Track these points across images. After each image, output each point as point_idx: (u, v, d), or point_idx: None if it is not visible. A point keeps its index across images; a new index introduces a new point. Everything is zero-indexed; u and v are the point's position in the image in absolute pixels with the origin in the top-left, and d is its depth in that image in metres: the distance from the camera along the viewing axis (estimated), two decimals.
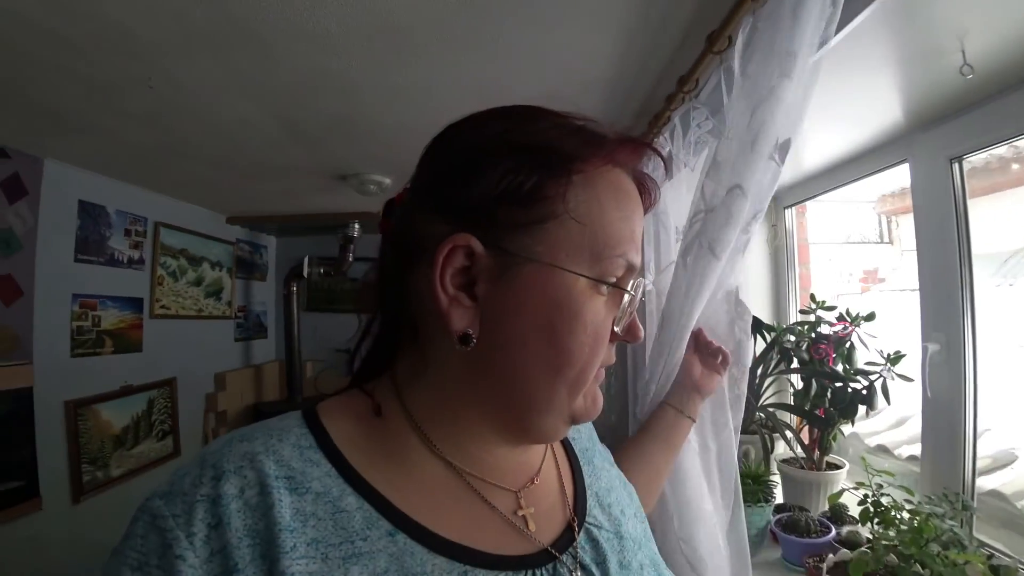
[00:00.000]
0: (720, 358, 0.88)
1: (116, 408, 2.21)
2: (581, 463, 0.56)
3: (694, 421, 0.87)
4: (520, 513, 0.45)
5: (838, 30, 0.82)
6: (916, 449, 1.51)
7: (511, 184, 0.40)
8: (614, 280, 0.42)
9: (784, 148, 0.78)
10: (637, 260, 0.43)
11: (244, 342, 3.28)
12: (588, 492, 0.52)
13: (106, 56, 1.23)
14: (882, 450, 1.66)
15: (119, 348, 2.26)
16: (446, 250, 0.40)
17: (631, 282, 0.43)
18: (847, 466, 1.48)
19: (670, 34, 1.20)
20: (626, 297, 0.43)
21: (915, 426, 1.65)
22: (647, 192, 0.48)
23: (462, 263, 0.40)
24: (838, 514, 1.34)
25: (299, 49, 1.23)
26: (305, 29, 1.14)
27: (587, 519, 0.49)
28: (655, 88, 1.43)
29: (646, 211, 0.47)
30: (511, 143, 0.41)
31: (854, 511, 1.35)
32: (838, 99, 1.16)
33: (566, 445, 0.57)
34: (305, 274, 3.12)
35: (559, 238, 0.40)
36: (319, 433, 0.42)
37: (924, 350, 1.23)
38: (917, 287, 1.88)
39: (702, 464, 0.92)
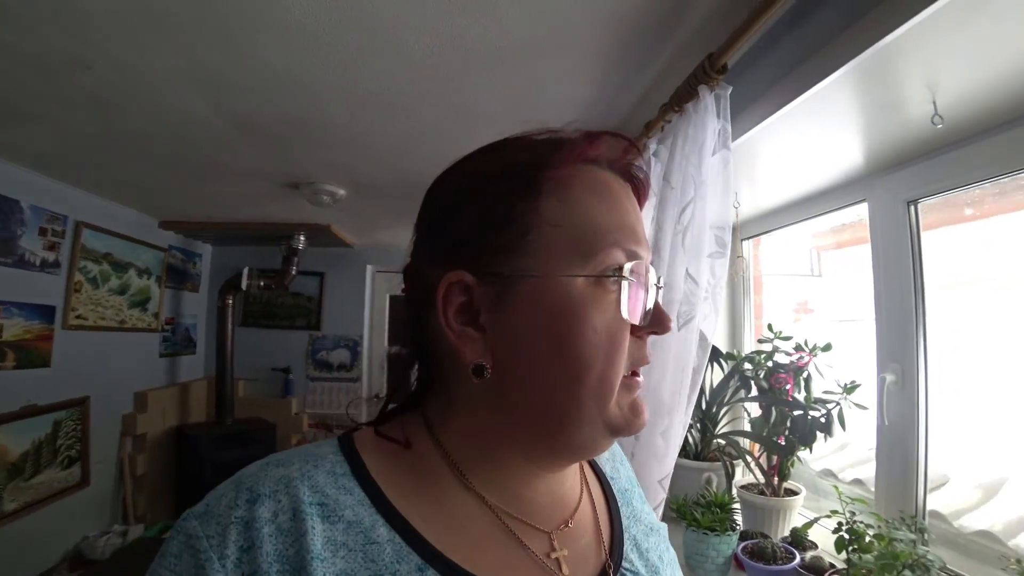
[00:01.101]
0: None
1: (15, 432, 1.93)
2: (620, 504, 0.53)
3: None
4: (553, 556, 0.43)
5: (810, 86, 0.95)
6: (859, 472, 1.59)
7: (484, 212, 0.42)
8: (612, 271, 0.41)
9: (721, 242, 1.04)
10: (636, 246, 0.42)
11: (170, 358, 3.02)
12: (626, 535, 0.50)
13: (42, 28, 1.10)
14: (828, 474, 1.73)
15: (23, 363, 1.99)
16: (443, 290, 0.41)
17: (633, 267, 0.42)
18: (803, 491, 1.52)
19: (652, 65, 1.23)
20: (625, 284, 0.41)
21: (856, 451, 1.74)
22: (635, 181, 0.47)
23: (460, 298, 0.41)
24: (798, 540, 1.37)
25: (265, 42, 1.15)
26: (275, 21, 1.07)
27: (623, 564, 0.47)
28: (633, 112, 1.46)
29: (641, 200, 0.47)
30: (478, 175, 0.44)
31: (812, 536, 1.39)
32: (804, 144, 1.23)
33: (604, 485, 0.55)
34: (243, 286, 2.92)
35: (544, 247, 0.40)
36: (354, 462, 0.41)
37: (881, 380, 1.29)
38: (847, 319, 2.01)
39: None
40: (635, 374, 0.43)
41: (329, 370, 3.51)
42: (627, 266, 0.41)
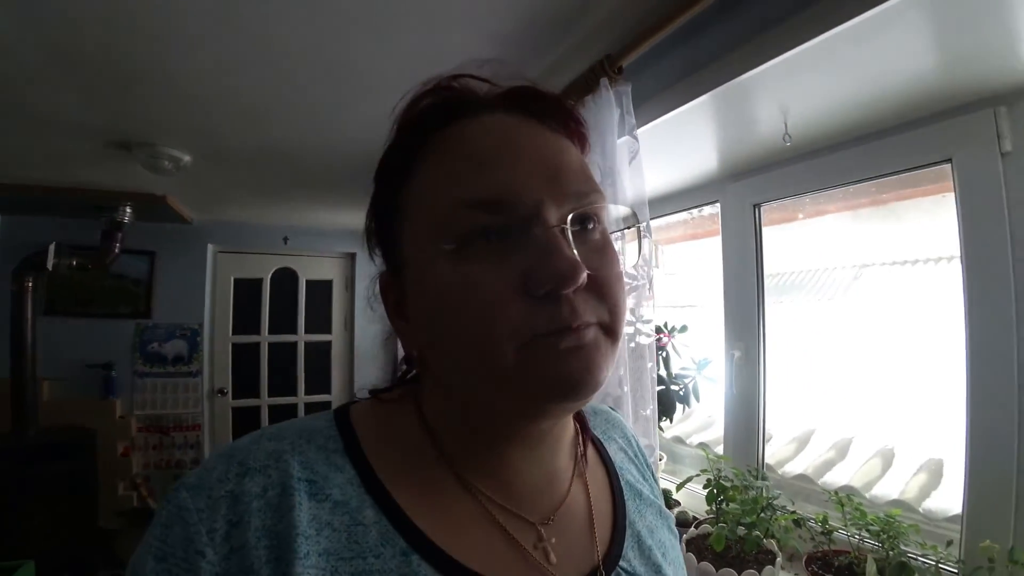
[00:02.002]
0: None
1: None
2: (626, 496, 0.50)
3: None
4: (540, 545, 0.42)
5: (675, 106, 1.12)
6: (703, 437, 1.86)
7: (377, 208, 0.44)
8: (462, 230, 0.36)
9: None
10: (504, 194, 0.36)
11: None
12: (628, 531, 0.47)
13: None
14: (679, 440, 1.99)
15: None
16: (379, 289, 0.44)
17: (489, 219, 0.36)
18: (665, 457, 1.73)
19: (547, 56, 1.28)
20: (478, 245, 0.36)
21: (697, 419, 2.03)
22: (539, 111, 0.41)
23: (392, 295, 0.43)
24: (664, 499, 1.55)
25: None
26: None
27: (620, 563, 0.44)
28: None
29: (570, 130, 0.42)
30: (376, 173, 0.45)
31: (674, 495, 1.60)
32: (669, 149, 1.38)
33: (611, 475, 0.51)
34: (49, 266, 2.41)
35: (416, 231, 0.40)
36: (348, 437, 0.41)
37: (730, 356, 1.52)
38: (685, 305, 2.33)
39: None
40: (572, 329, 0.35)
41: (163, 364, 3.06)
42: (492, 219, 0.36)
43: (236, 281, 3.40)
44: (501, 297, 0.35)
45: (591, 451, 0.51)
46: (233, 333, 3.36)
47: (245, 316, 3.41)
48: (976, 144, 0.95)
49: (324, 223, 3.46)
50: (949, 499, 1.13)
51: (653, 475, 0.57)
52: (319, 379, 3.61)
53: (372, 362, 3.73)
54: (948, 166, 1.01)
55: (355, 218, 3.34)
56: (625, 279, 0.45)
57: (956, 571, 0.89)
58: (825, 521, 1.04)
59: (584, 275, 0.35)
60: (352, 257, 3.71)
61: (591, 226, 0.39)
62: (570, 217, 0.37)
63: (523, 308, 0.35)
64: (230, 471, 0.36)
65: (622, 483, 0.51)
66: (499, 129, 0.40)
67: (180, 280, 3.16)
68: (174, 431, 3.02)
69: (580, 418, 0.52)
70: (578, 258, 0.35)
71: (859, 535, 0.98)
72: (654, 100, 1.19)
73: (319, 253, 3.64)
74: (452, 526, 0.39)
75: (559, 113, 0.42)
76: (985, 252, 0.96)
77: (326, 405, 3.57)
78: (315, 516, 0.36)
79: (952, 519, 1.06)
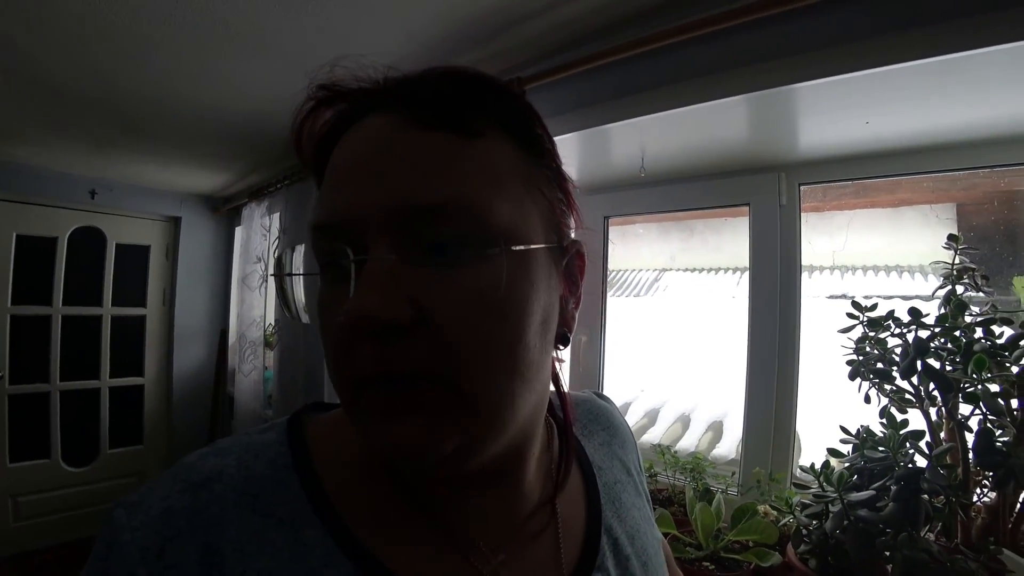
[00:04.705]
0: None
1: None
2: (603, 501, 0.47)
3: None
4: (497, 566, 0.39)
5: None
6: None
7: None
8: (318, 254, 0.36)
9: None
10: (331, 214, 0.34)
11: None
12: (604, 538, 0.44)
13: None
14: None
15: None
16: None
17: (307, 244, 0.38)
18: None
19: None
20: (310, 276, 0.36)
21: None
22: (424, 111, 0.33)
23: None
24: None
25: None
26: None
27: (593, 575, 0.42)
28: None
29: (465, 122, 0.34)
30: None
31: None
32: None
33: (587, 477, 0.48)
34: None
35: None
36: (299, 452, 0.39)
37: (577, 339, 1.82)
38: None
39: None
40: (380, 378, 0.32)
41: None
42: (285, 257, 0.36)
43: (20, 238, 2.78)
44: (332, 331, 0.33)
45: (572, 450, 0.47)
46: (13, 303, 2.75)
47: (31, 282, 2.81)
48: (765, 195, 1.34)
49: (147, 180, 3.00)
50: (727, 448, 1.56)
51: (639, 457, 0.55)
52: (129, 360, 3.16)
53: (195, 341, 3.38)
54: (747, 207, 1.39)
55: (187, 178, 3.01)
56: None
57: (736, 492, 1.27)
58: (651, 467, 1.36)
59: (368, 319, 0.30)
60: (176, 222, 3.28)
61: (451, 251, 0.32)
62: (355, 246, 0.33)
63: (351, 347, 0.32)
64: (173, 487, 0.35)
65: (600, 485, 0.48)
66: (362, 140, 0.34)
67: None
68: None
69: (566, 428, 0.47)
70: (369, 298, 0.30)
71: (673, 476, 1.32)
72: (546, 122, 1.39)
73: (136, 213, 3.16)
74: (402, 547, 0.37)
75: (437, 104, 0.34)
76: (763, 268, 1.35)
77: (138, 389, 3.20)
78: (256, 533, 0.34)
79: (730, 463, 1.47)
